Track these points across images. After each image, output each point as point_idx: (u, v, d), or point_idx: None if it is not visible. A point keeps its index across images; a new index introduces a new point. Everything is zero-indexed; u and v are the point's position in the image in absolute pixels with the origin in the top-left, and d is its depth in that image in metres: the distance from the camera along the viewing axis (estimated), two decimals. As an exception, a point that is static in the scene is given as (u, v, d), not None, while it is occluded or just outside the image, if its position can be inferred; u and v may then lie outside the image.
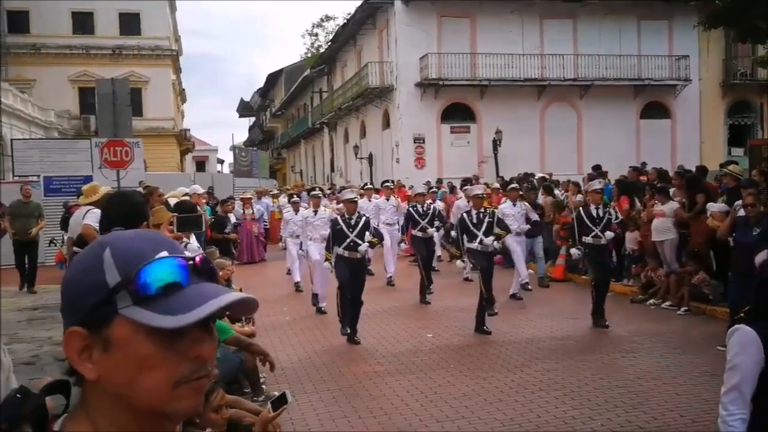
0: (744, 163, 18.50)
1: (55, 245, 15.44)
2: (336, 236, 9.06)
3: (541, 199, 14.92)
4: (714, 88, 30.64)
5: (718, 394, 6.30)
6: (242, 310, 1.02)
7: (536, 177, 18.30)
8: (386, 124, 30.48)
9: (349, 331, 8.83)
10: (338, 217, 9.42)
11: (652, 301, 10.93)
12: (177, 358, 0.94)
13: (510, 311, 10.61)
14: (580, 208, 9.90)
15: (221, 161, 72.85)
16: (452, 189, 19.64)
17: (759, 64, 21.44)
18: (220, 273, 6.58)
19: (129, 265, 0.94)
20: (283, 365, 7.84)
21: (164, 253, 0.97)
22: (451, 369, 7.54)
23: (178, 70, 46.15)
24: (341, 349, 8.69)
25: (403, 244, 13.26)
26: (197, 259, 1.00)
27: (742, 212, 8.37)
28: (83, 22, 37.72)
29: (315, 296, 11.20)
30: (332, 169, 41.06)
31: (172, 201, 8.78)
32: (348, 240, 8.96)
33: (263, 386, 6.43)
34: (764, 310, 2.36)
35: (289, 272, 13.93)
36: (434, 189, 17.32)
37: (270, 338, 9.14)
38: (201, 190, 13.01)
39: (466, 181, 19.49)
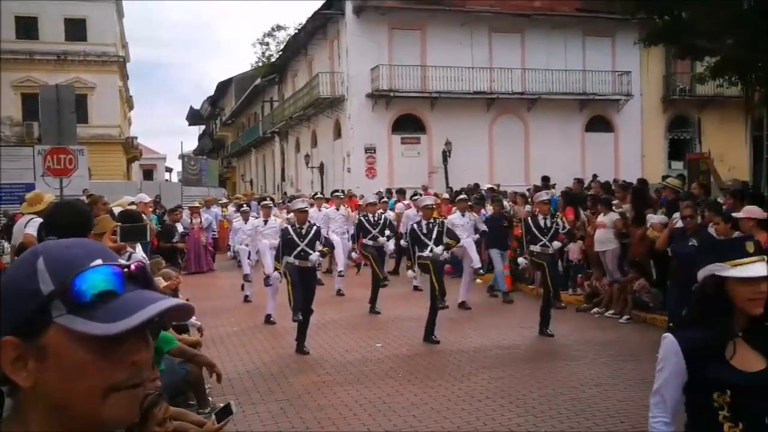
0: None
1: (-5, 255, 14.96)
2: (286, 245, 9.04)
3: (490, 210, 15.13)
4: (655, 103, 31.56)
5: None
6: (178, 316, 1.03)
7: (484, 188, 18.56)
8: (337, 134, 30.50)
9: (300, 317, 8.74)
10: (289, 227, 9.40)
11: (596, 309, 11.19)
12: (113, 365, 0.94)
13: (458, 320, 10.72)
14: (529, 218, 10.11)
15: (170, 170, 71.56)
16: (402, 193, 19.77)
17: (697, 81, 22.16)
18: (167, 283, 6.50)
19: (63, 273, 0.95)
20: (230, 376, 7.76)
21: (98, 261, 0.97)
22: (399, 378, 7.59)
23: (125, 77, 45.31)
24: (289, 359, 8.65)
25: (354, 254, 13.30)
26: (132, 266, 1.00)
27: (680, 223, 8.66)
28: (27, 27, 36.73)
29: (267, 278, 11.09)
30: (283, 179, 40.84)
31: (118, 210, 8.64)
32: (298, 249, 8.95)
33: (209, 398, 6.35)
34: (700, 320, 2.47)
35: (239, 265, 13.78)
36: (385, 199, 17.39)
37: (217, 349, 9.05)
38: (147, 199, 12.84)
39: (399, 192, 19.52)
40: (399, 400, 6.77)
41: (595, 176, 19.96)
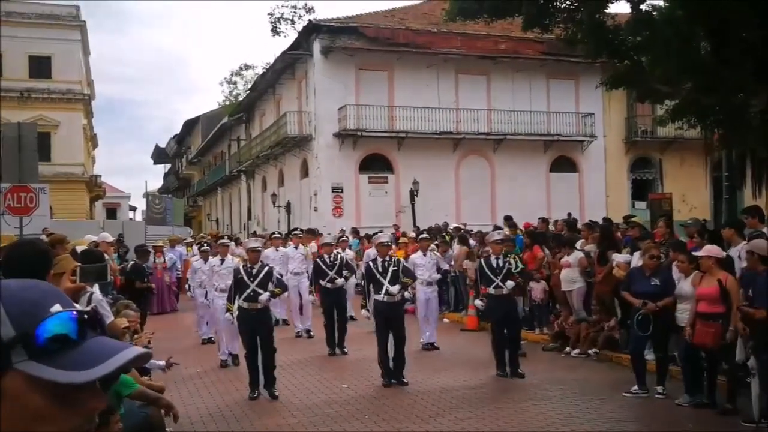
0: (646, 215, 19.47)
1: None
2: (238, 285, 8.89)
3: (457, 248, 15.19)
4: (618, 145, 32.24)
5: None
6: (138, 362, 1.02)
7: (451, 227, 18.64)
8: (305, 173, 30.53)
9: (256, 395, 8.60)
10: (240, 267, 9.23)
11: (567, 348, 11.18)
12: (71, 411, 0.93)
13: (424, 360, 10.66)
14: (482, 260, 10.08)
15: (134, 208, 70.87)
16: (368, 238, 19.69)
17: (658, 123, 22.75)
18: (127, 324, 6.35)
19: (24, 318, 0.93)
20: (193, 419, 7.60)
21: (58, 306, 0.96)
22: (365, 420, 7.48)
23: (89, 115, 44.98)
24: (254, 401, 8.48)
25: (311, 296, 12.83)
26: (90, 312, 1.00)
27: (638, 263, 8.78)
28: (-10, 64, 36.41)
29: (234, 356, 10.79)
30: (249, 218, 40.62)
31: (81, 249, 8.46)
32: (249, 290, 8.75)
33: (170, 442, 6.18)
34: None
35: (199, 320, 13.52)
36: (345, 238, 17.17)
37: (179, 392, 8.84)
38: (110, 238, 12.61)
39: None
40: (365, 443, 6.66)
41: (569, 215, 20.13)
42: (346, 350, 11.42)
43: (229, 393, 8.98)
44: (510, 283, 9.52)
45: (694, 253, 8.04)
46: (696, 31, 12.80)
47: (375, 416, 7.60)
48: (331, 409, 7.93)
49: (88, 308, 1.01)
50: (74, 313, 0.96)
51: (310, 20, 29.19)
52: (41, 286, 1.02)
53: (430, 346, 11.60)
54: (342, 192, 28.45)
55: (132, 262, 14.55)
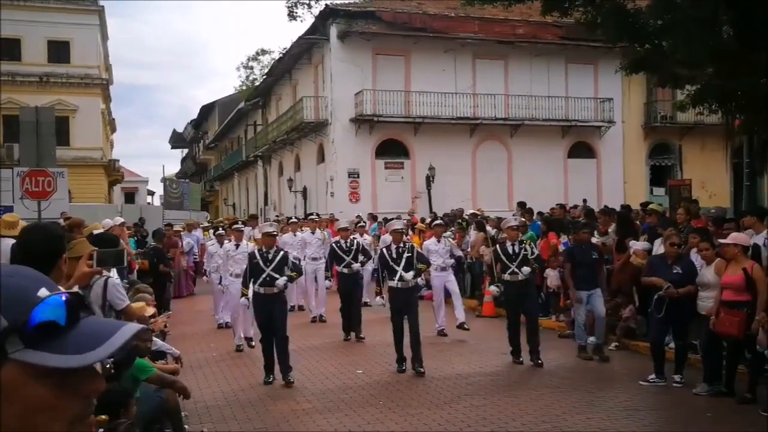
0: (665, 202, 19.27)
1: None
2: (253, 271, 8.87)
3: (473, 234, 15.12)
4: (636, 130, 31.87)
5: (640, 428, 6.43)
6: (137, 338, 1.00)
7: (467, 213, 18.55)
8: (321, 158, 30.50)
9: (271, 380, 8.62)
10: (255, 251, 9.20)
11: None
12: (72, 397, 0.90)
13: (440, 346, 10.63)
14: (497, 246, 10.05)
15: (152, 193, 71.30)
16: (387, 222, 19.68)
17: (678, 108, 22.43)
18: (153, 312, 6.38)
19: (16, 306, 0.88)
20: (208, 403, 7.65)
21: (44, 290, 0.91)
22: (380, 406, 7.48)
23: (108, 99, 45.16)
24: (268, 386, 8.51)
25: (328, 282, 12.84)
26: (77, 293, 0.95)
27: (657, 250, 8.66)
28: (10, 49, 36.55)
29: (249, 339, 10.88)
30: (266, 203, 40.72)
31: (96, 233, 8.50)
32: (264, 275, 8.71)
33: (185, 426, 6.22)
34: None
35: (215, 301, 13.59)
36: (362, 223, 17.12)
37: (195, 376, 8.89)
38: (120, 221, 12.67)
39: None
40: (379, 428, 6.66)
41: (584, 201, 20.02)
42: (362, 336, 11.37)
43: (245, 377, 9.02)
44: (526, 269, 9.46)
45: (721, 241, 7.88)
46: (718, 14, 12.56)
47: (389, 402, 7.60)
48: (345, 395, 7.94)
49: (74, 290, 0.97)
50: (63, 296, 0.91)
51: (326, 5, 29.02)
52: (25, 272, 0.97)
53: (461, 326, 11.46)
54: (358, 177, 28.41)
55: (151, 245, 14.65)
